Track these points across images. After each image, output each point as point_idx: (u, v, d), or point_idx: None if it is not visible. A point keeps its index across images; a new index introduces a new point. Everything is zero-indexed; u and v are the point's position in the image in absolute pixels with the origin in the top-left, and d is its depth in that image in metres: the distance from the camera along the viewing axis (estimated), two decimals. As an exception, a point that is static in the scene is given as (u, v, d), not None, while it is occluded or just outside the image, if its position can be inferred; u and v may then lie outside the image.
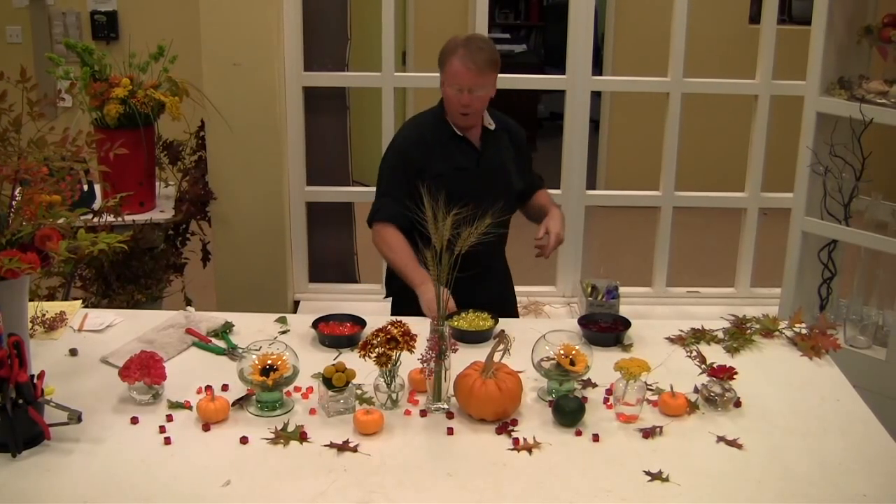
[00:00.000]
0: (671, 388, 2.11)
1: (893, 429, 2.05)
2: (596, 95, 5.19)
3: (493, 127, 2.83)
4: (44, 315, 2.47)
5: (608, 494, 1.79)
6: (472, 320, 2.46)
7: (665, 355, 2.35)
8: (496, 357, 2.04)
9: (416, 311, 2.55)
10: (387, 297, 2.96)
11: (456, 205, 2.52)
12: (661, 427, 2.01)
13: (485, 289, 2.70)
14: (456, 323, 2.43)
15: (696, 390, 2.15)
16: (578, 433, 1.99)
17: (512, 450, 1.92)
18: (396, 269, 2.70)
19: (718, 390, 2.11)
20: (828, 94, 3.09)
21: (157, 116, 3.31)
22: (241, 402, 2.07)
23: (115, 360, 2.24)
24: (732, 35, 5.99)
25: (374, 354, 2.03)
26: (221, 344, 2.38)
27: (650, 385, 2.14)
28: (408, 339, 2.03)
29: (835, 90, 3.07)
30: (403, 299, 2.76)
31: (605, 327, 2.47)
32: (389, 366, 2.04)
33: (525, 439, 1.95)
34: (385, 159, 2.83)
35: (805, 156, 3.15)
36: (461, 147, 2.79)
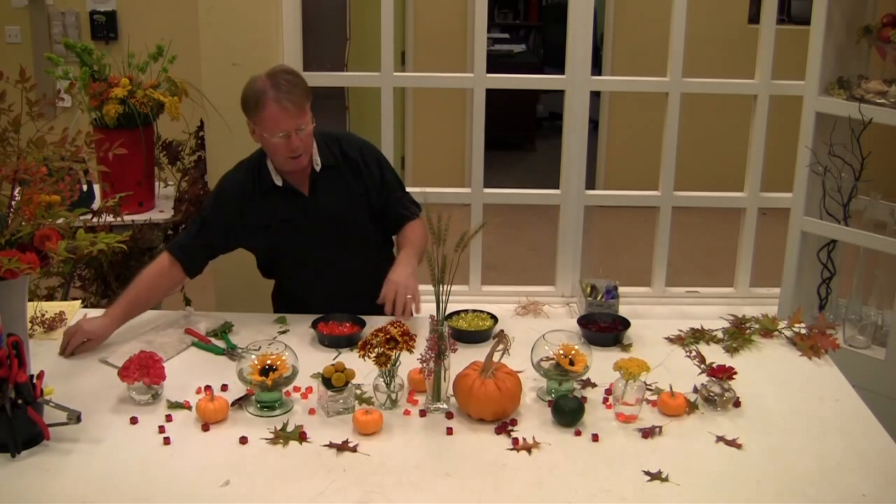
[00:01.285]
0: (670, 387, 2.11)
1: (893, 429, 2.05)
2: (595, 95, 5.20)
3: (319, 167, 2.56)
4: (43, 315, 2.47)
5: (607, 494, 1.79)
6: (472, 320, 2.46)
7: (664, 355, 2.35)
8: (495, 357, 2.04)
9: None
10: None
11: (290, 258, 2.51)
12: (660, 427, 2.01)
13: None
14: (455, 323, 2.43)
15: (696, 390, 2.15)
16: (578, 433, 1.99)
17: (511, 450, 1.92)
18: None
19: (718, 390, 2.11)
20: (827, 94, 3.09)
21: (156, 116, 3.30)
22: (240, 402, 2.07)
23: (114, 361, 2.24)
24: (731, 35, 5.99)
25: (374, 354, 2.03)
26: (221, 344, 2.38)
27: (649, 385, 2.14)
28: (407, 339, 2.03)
29: (834, 90, 3.07)
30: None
31: (605, 327, 2.47)
32: (389, 366, 2.04)
33: (524, 439, 1.95)
34: (209, 200, 2.67)
35: (804, 156, 3.15)
36: (285, 197, 2.56)
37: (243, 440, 1.93)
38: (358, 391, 2.09)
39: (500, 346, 2.04)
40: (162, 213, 3.39)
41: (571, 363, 2.11)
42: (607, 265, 4.83)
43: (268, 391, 2.04)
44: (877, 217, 3.12)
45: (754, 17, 5.95)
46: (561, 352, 2.13)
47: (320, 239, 2.54)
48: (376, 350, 2.03)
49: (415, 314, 2.43)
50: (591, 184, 5.61)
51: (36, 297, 2.96)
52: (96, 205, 3.17)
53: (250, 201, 2.57)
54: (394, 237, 2.70)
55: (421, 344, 2.07)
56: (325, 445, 1.92)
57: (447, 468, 1.86)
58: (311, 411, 2.06)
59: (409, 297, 2.41)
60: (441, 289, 2.05)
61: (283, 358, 2.06)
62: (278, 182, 2.56)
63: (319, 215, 2.54)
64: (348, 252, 2.54)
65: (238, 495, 1.77)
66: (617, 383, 2.06)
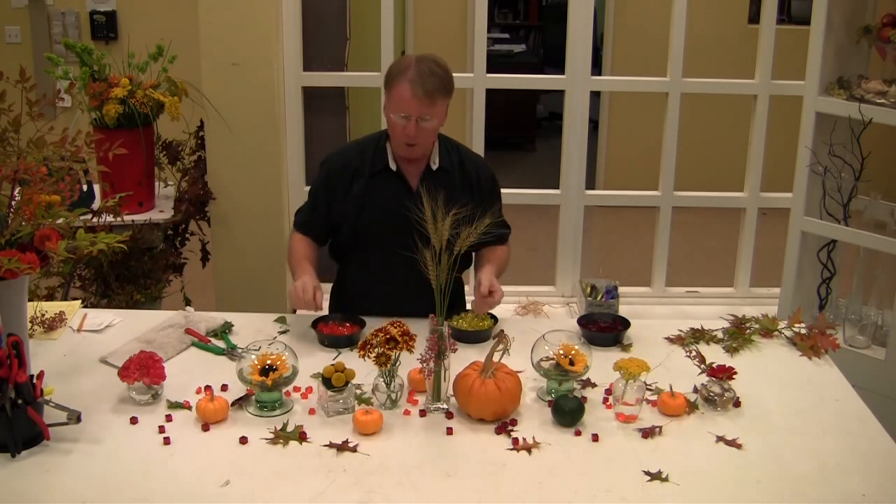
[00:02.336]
0: (670, 387, 2.11)
1: (893, 429, 2.05)
2: (595, 95, 5.20)
3: (435, 166, 2.57)
4: (43, 315, 2.47)
5: (607, 494, 1.79)
6: (472, 320, 2.46)
7: (664, 355, 2.35)
8: (495, 357, 2.04)
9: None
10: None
11: (372, 245, 2.47)
12: (660, 427, 2.01)
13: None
14: (455, 323, 2.43)
15: (696, 390, 2.15)
16: (578, 433, 1.99)
17: (511, 450, 1.92)
18: (290, 269, 2.62)
19: (718, 390, 2.11)
20: (827, 94, 3.09)
21: (156, 116, 3.30)
22: (240, 402, 2.07)
23: (114, 361, 2.24)
24: (731, 35, 6.00)
25: (374, 354, 2.03)
26: (221, 344, 2.38)
27: (649, 385, 2.14)
28: (407, 339, 2.03)
29: (834, 90, 3.07)
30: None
31: (605, 327, 2.47)
32: (389, 366, 2.04)
33: (524, 439, 1.95)
34: (315, 177, 2.69)
35: (804, 156, 3.15)
36: (393, 183, 2.56)
37: (243, 440, 1.93)
38: (358, 391, 2.09)
39: (500, 346, 2.04)
40: (162, 213, 3.39)
41: (571, 363, 2.11)
42: (607, 265, 4.84)
43: (268, 391, 2.04)
44: (877, 217, 3.12)
45: (754, 17, 5.95)
46: (561, 352, 2.13)
47: (410, 234, 2.35)
48: (376, 350, 2.03)
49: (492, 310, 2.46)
50: (591, 184, 5.61)
51: (36, 297, 2.96)
52: (96, 205, 3.17)
53: (357, 174, 2.57)
54: (474, 254, 2.68)
55: (421, 344, 2.07)
56: (325, 445, 1.92)
57: (447, 468, 1.86)
58: (311, 411, 2.06)
59: (495, 292, 2.43)
60: (441, 289, 2.05)
61: (283, 358, 2.06)
62: (393, 166, 2.56)
63: (419, 213, 2.46)
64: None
65: (238, 495, 1.77)
66: (617, 383, 2.06)
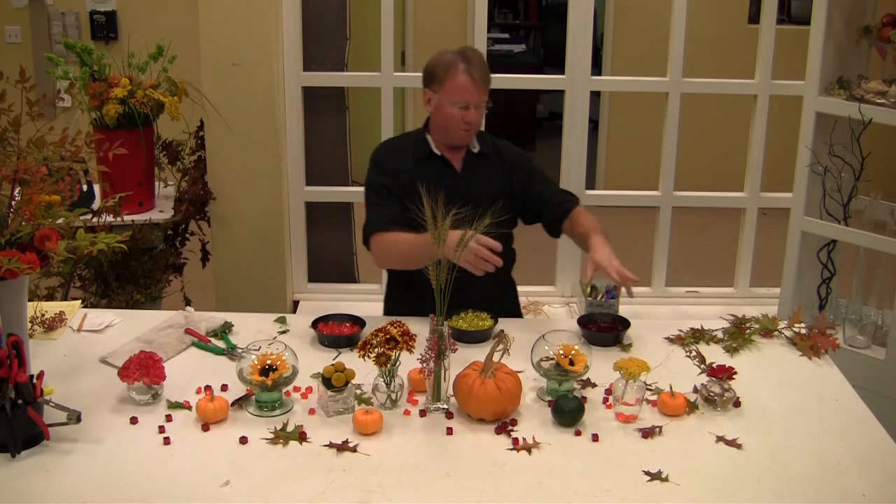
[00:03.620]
0: (670, 387, 2.11)
1: (893, 429, 2.05)
2: (595, 95, 5.19)
3: (476, 149, 2.69)
4: (43, 315, 2.47)
5: (607, 494, 1.79)
6: (472, 320, 2.46)
7: (664, 355, 2.35)
8: (495, 357, 2.04)
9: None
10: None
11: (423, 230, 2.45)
12: (660, 427, 2.01)
13: (484, 297, 2.54)
14: (455, 323, 2.43)
15: (696, 390, 2.15)
16: (578, 433, 1.99)
17: (511, 450, 1.92)
18: (410, 255, 2.46)
19: (718, 390, 2.11)
20: (827, 94, 3.09)
21: (156, 116, 3.30)
22: (240, 402, 2.07)
23: (114, 361, 2.24)
24: (731, 35, 5.99)
25: (374, 354, 2.03)
26: (221, 344, 2.38)
27: (649, 385, 2.14)
28: (407, 339, 2.03)
29: (834, 90, 3.07)
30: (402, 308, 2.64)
31: (605, 327, 2.47)
32: (389, 366, 2.04)
33: (524, 439, 1.95)
34: (367, 177, 2.69)
35: (804, 156, 3.15)
36: (440, 167, 2.66)
37: (243, 440, 1.93)
38: (358, 391, 2.09)
39: (500, 346, 2.04)
40: (162, 213, 3.39)
41: (571, 363, 2.11)
42: (607, 265, 4.83)
43: (268, 391, 2.04)
44: (877, 217, 3.12)
45: (754, 17, 5.95)
46: (561, 352, 2.13)
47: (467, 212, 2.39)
48: (376, 350, 2.03)
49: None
50: (591, 184, 5.61)
51: (36, 297, 2.96)
52: (96, 205, 3.17)
53: (403, 163, 2.64)
54: (562, 226, 2.69)
55: (421, 344, 2.07)
56: (325, 445, 1.92)
57: (447, 468, 1.86)
58: (311, 411, 2.06)
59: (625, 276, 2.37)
60: (441, 289, 2.06)
61: (283, 358, 2.06)
62: (437, 152, 2.66)
63: (466, 192, 2.51)
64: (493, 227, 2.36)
65: (238, 495, 1.77)
66: (617, 383, 2.06)
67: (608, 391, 2.13)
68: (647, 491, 1.80)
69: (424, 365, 2.05)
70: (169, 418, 2.01)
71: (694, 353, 2.30)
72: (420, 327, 2.11)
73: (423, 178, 2.50)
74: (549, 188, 2.76)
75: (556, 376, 2.11)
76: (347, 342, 2.37)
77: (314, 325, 2.43)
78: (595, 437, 1.97)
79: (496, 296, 2.74)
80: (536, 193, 2.72)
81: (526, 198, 2.72)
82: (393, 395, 2.08)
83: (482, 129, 2.76)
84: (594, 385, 2.18)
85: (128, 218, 3.22)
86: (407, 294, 2.67)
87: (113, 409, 2.05)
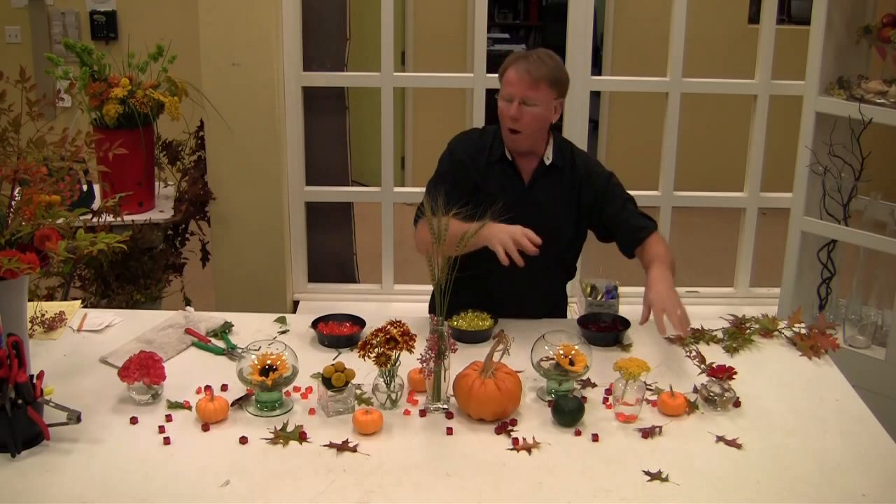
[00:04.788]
0: (670, 387, 2.11)
1: (893, 429, 2.05)
2: (595, 95, 5.20)
3: (549, 160, 2.56)
4: (43, 315, 2.47)
5: (607, 494, 1.79)
6: (472, 320, 2.46)
7: (664, 355, 2.35)
8: (495, 357, 2.04)
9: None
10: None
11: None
12: (660, 427, 2.01)
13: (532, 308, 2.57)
14: (455, 323, 2.43)
15: (696, 390, 2.15)
16: (578, 433, 1.99)
17: (511, 450, 1.92)
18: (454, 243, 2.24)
19: (718, 390, 2.11)
20: (827, 94, 3.09)
21: (156, 116, 3.30)
22: (240, 402, 2.07)
23: (114, 361, 2.24)
24: (731, 35, 6.00)
25: (374, 354, 2.03)
26: (221, 344, 2.38)
27: (649, 385, 2.14)
28: (407, 339, 2.03)
29: (834, 90, 3.07)
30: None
31: (605, 327, 2.47)
32: (389, 366, 2.04)
33: (524, 439, 1.95)
34: (439, 160, 2.62)
35: (804, 156, 3.15)
36: (507, 174, 2.55)
37: (243, 440, 1.93)
38: (358, 391, 2.09)
39: (500, 346, 2.04)
40: (162, 213, 3.39)
41: (571, 363, 2.11)
42: (607, 265, 4.82)
43: (268, 391, 2.04)
44: (877, 217, 3.12)
45: (754, 17, 5.95)
46: (561, 352, 2.13)
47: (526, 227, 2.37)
48: (376, 350, 2.02)
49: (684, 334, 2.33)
50: (591, 184, 5.60)
51: (36, 297, 2.96)
52: (96, 205, 3.17)
53: (476, 159, 2.56)
54: (635, 251, 2.57)
55: (421, 344, 2.07)
56: (325, 445, 1.92)
57: (447, 468, 1.86)
58: (311, 411, 2.06)
59: (679, 312, 2.26)
60: (441, 289, 2.05)
61: (283, 358, 2.06)
62: (509, 157, 2.55)
63: (528, 206, 2.48)
64: (538, 253, 2.33)
65: (238, 495, 1.77)
66: (617, 383, 2.06)
67: (608, 391, 2.13)
68: (647, 491, 1.80)
69: (424, 365, 2.05)
70: (169, 418, 2.01)
71: (694, 354, 2.30)
72: (420, 327, 2.11)
73: (489, 183, 2.50)
74: (626, 210, 2.59)
75: (556, 376, 2.11)
76: (347, 342, 2.37)
77: (314, 325, 2.43)
78: (595, 437, 1.97)
79: (547, 308, 2.68)
80: (611, 215, 2.58)
81: (598, 217, 2.60)
82: (393, 395, 2.08)
83: (561, 136, 2.63)
84: (594, 385, 2.18)
85: (128, 218, 3.22)
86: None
87: (113, 409, 2.05)
